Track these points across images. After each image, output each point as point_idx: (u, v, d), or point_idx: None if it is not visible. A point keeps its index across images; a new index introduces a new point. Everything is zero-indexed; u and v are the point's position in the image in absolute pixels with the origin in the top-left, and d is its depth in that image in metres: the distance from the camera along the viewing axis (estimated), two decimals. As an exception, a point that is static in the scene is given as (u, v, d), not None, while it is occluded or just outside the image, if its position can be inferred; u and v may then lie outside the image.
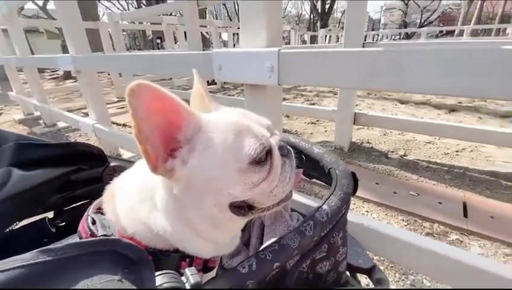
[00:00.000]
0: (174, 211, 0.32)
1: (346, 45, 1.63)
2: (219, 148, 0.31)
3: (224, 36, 6.40)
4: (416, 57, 0.52)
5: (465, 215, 1.20)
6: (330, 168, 0.42)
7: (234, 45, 6.62)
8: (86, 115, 2.80)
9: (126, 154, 1.94)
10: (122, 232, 0.30)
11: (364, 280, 0.64)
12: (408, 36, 22.30)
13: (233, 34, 5.64)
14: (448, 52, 0.49)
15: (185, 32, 3.48)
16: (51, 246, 0.22)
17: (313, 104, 3.23)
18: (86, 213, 0.38)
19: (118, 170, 0.48)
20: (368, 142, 1.94)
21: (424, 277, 0.91)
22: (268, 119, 0.45)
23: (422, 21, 30.71)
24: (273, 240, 0.47)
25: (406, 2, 30.86)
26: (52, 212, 0.47)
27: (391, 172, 1.58)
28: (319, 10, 20.00)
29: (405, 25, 30.70)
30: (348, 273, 0.51)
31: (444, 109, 2.80)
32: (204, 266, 0.36)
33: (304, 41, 9.72)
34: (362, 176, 1.39)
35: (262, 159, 0.32)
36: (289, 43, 7.40)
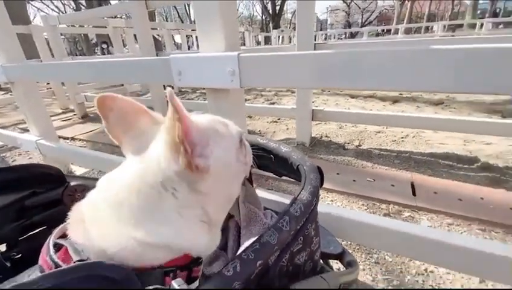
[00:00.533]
0: (196, 209, 0.35)
1: (299, 44, 1.71)
2: (223, 137, 0.38)
3: (177, 38, 6.20)
4: (367, 57, 0.57)
5: (414, 193, 1.36)
6: (298, 165, 0.45)
7: (189, 47, 6.46)
8: (25, 130, 2.49)
9: (78, 171, 1.78)
10: (100, 255, 0.29)
11: (335, 265, 0.70)
12: (352, 35, 24.10)
13: (187, 36, 5.51)
14: (392, 53, 0.55)
15: (134, 35, 3.29)
16: (18, 282, 0.20)
17: (273, 103, 3.32)
18: (46, 242, 0.34)
19: (79, 190, 0.44)
20: (327, 136, 2.07)
21: (385, 253, 1.01)
22: (233, 122, 0.49)
23: (363, 21, 33.50)
24: (252, 240, 0.48)
25: (348, 3, 33.36)
26: (5, 244, 0.42)
27: (349, 162, 1.71)
28: (270, 11, 20.54)
29: (349, 24, 33.19)
30: (321, 260, 0.55)
31: (388, 101, 3.10)
32: (188, 277, 0.35)
33: (258, 42, 9.92)
34: (324, 168, 1.50)
35: (242, 139, 0.42)
36: (244, 44, 7.48)
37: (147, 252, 0.31)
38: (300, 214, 0.36)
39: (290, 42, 10.39)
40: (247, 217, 0.59)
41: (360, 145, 1.91)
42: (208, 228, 0.37)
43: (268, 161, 0.55)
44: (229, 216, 0.59)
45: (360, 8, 33.85)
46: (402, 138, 1.98)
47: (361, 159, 1.73)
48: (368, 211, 1.29)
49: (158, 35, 5.13)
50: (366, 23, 33.28)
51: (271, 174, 0.61)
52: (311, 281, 0.39)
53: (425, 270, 0.93)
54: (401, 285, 0.89)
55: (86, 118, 3.24)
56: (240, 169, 0.43)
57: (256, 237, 0.34)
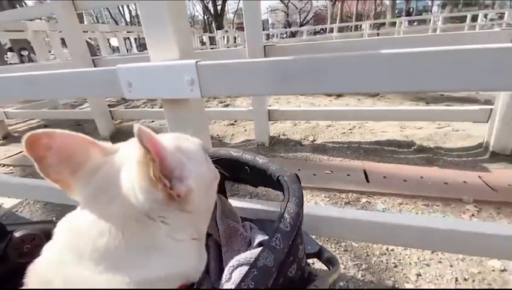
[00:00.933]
0: (188, 228, 0.34)
1: (249, 45, 1.72)
2: (192, 152, 0.38)
3: (113, 41, 5.67)
4: (327, 62, 0.60)
5: (367, 180, 1.49)
6: (278, 176, 0.44)
7: (127, 50, 5.98)
8: None
9: (7, 203, 1.50)
10: None
11: (316, 263, 0.72)
12: (293, 34, 25.34)
13: (125, 39, 5.09)
14: (351, 57, 0.58)
15: (62, 40, 2.90)
16: None
17: (227, 105, 3.29)
18: None
19: (27, 240, 0.36)
20: (284, 134, 2.13)
21: (351, 242, 1.08)
22: (196, 131, 0.48)
23: (302, 20, 35.48)
24: (237, 258, 0.46)
25: (286, 3, 34.93)
26: None
27: (307, 157, 1.80)
28: (212, 11, 20.30)
29: (289, 24, 34.83)
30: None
31: (333, 96, 3.35)
32: None
33: (203, 43, 9.72)
34: (286, 166, 1.54)
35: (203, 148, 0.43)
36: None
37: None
38: (291, 228, 0.35)
39: (235, 42, 10.48)
40: (226, 233, 0.57)
41: (314, 140, 2.02)
42: (198, 245, 0.37)
43: (243, 173, 0.53)
44: (208, 235, 0.56)
45: (297, 8, 35.78)
46: (350, 129, 2.15)
47: (317, 154, 1.83)
48: (330, 201, 1.37)
49: (90, 38, 4.62)
50: (304, 22, 35.35)
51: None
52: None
53: (387, 249, 1.03)
54: (369, 268, 0.97)
55: (8, 138, 2.75)
56: (212, 177, 0.43)
57: (251, 261, 0.32)
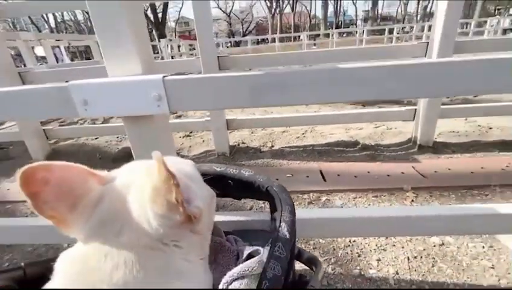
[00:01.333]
0: (198, 249, 0.35)
1: (203, 56, 1.71)
2: (192, 174, 0.39)
3: (39, 51, 4.93)
4: (292, 77, 0.65)
5: (324, 179, 1.61)
6: (267, 187, 0.47)
7: (57, 60, 5.31)
8: None
9: None
10: None
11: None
12: (237, 43, 25.90)
13: (53, 48, 4.51)
14: (311, 72, 0.64)
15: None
16: None
17: (179, 116, 3.18)
18: None
19: None
20: (243, 143, 2.17)
21: (318, 239, 1.16)
22: (162, 148, 0.47)
23: (245, 30, 36.54)
24: (230, 273, 0.46)
25: (228, 13, 35.60)
26: None
27: (268, 163, 1.86)
28: (152, 19, 19.49)
29: (232, 34, 35.52)
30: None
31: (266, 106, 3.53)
32: None
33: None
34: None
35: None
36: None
37: None
38: (290, 236, 0.38)
39: (179, 51, 10.23)
40: (213, 249, 0.56)
41: (273, 146, 2.10)
42: (205, 265, 0.38)
43: (226, 187, 0.54)
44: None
45: (239, 19, 36.78)
46: (303, 134, 2.31)
47: (277, 159, 1.90)
48: (295, 203, 1.44)
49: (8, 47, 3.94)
50: (247, 32, 36.49)
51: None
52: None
53: (350, 241, 1.13)
54: (337, 261, 1.05)
55: None
56: (211, 195, 0.43)
57: (260, 274, 0.33)
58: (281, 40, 15.00)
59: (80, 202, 0.29)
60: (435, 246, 1.07)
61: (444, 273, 0.96)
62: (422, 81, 0.64)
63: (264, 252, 0.48)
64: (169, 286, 0.28)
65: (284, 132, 2.37)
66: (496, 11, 28.53)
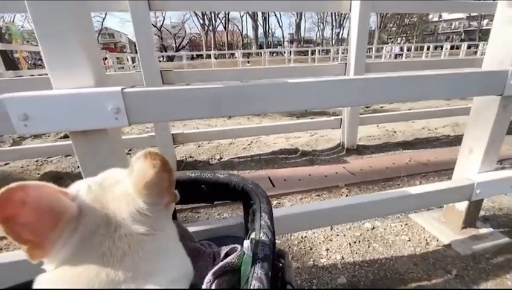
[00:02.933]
0: (176, 233, 0.39)
1: (145, 70, 1.67)
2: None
3: None
4: (248, 89, 0.73)
5: (273, 185, 1.73)
6: (243, 186, 0.52)
7: None
8: None
9: None
10: None
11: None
12: (170, 58, 25.15)
13: None
14: (265, 86, 0.74)
15: None
16: None
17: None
18: None
19: None
20: (191, 157, 2.14)
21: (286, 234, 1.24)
22: (116, 162, 0.49)
23: (177, 46, 35.85)
24: (209, 274, 0.50)
25: (159, 28, 34.48)
26: None
27: (218, 175, 1.88)
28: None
29: (164, 48, 34.40)
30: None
31: (225, 116, 3.62)
32: None
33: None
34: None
35: None
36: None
37: None
38: (271, 222, 0.44)
39: (105, 63, 9.42)
40: (190, 255, 0.58)
41: (221, 158, 2.14)
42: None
43: (199, 192, 0.57)
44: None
45: (171, 34, 36.00)
46: (249, 144, 2.42)
47: (227, 170, 1.95)
48: (248, 211, 1.51)
49: None
50: (180, 47, 35.92)
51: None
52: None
53: (302, 237, 1.25)
54: (294, 256, 1.15)
55: None
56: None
57: (226, 270, 0.39)
58: (216, 56, 15.33)
59: (59, 220, 0.29)
60: (368, 230, 1.28)
61: (377, 251, 1.16)
62: (347, 92, 0.80)
63: (243, 245, 0.53)
64: (168, 263, 0.32)
65: (230, 144, 2.44)
66: (388, 40, 35.57)
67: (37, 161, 2.16)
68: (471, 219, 1.24)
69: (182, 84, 1.78)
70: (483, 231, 1.23)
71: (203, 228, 0.69)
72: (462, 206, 1.21)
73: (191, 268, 0.38)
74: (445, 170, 1.79)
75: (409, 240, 1.21)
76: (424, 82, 0.88)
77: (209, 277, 0.49)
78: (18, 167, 2.06)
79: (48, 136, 3.00)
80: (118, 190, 0.34)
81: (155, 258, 0.31)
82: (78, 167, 2.08)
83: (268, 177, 1.82)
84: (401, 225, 1.31)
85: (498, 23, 0.98)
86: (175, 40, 36.18)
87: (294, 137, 2.63)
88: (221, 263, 0.50)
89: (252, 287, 0.35)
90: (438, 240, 1.20)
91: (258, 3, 1.97)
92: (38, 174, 1.98)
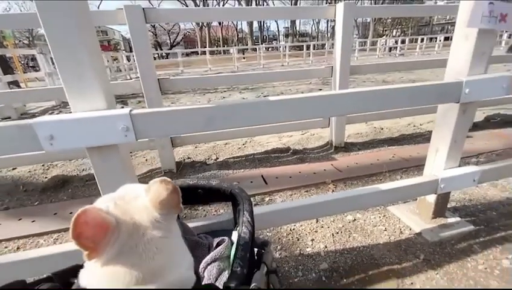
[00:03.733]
0: (180, 234, 0.51)
1: (144, 78, 1.78)
2: None
3: None
4: (241, 107, 0.86)
5: (266, 183, 1.88)
6: (231, 190, 0.66)
7: None
8: None
9: None
10: None
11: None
12: (166, 55, 25.04)
13: None
14: (249, 104, 0.87)
15: None
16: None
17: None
18: None
19: None
20: (189, 158, 2.27)
21: (265, 231, 1.39)
22: (126, 171, 0.60)
23: (172, 42, 35.49)
24: (205, 260, 0.63)
25: (153, 24, 34.07)
26: None
27: (215, 174, 2.02)
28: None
29: (159, 44, 34.09)
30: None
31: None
32: None
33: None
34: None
35: None
36: (38, 70, 5.98)
37: None
38: (251, 219, 0.58)
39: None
40: (189, 247, 0.72)
41: (217, 158, 2.28)
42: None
43: (196, 196, 0.71)
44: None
45: (165, 30, 35.67)
46: (243, 144, 2.56)
47: (223, 169, 2.09)
48: (243, 207, 1.65)
49: None
50: (175, 43, 35.65)
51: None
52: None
53: (290, 229, 1.40)
54: (282, 247, 1.30)
55: None
56: None
57: (215, 258, 0.53)
58: (211, 52, 15.33)
59: (106, 232, 0.41)
60: (349, 222, 1.43)
61: (357, 240, 1.31)
62: (323, 106, 0.94)
63: (232, 235, 0.67)
64: (186, 257, 0.46)
65: (226, 144, 2.58)
66: (383, 32, 35.56)
67: (43, 166, 2.29)
68: (440, 209, 1.39)
69: (189, 96, 1.90)
70: (451, 220, 1.39)
71: (200, 224, 0.83)
72: (432, 198, 1.36)
73: (192, 258, 0.51)
74: (424, 165, 1.94)
75: (385, 230, 1.37)
76: (391, 94, 1.02)
77: (202, 264, 0.63)
78: (26, 172, 2.19)
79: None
80: (139, 203, 0.47)
81: (172, 254, 0.44)
82: (83, 170, 2.22)
83: (262, 176, 1.96)
84: (380, 217, 1.47)
85: (457, 39, 1.12)
86: (169, 36, 35.89)
87: (286, 136, 2.77)
88: (211, 253, 0.65)
89: (234, 268, 0.48)
90: (410, 229, 1.36)
91: (251, 13, 2.09)
92: (46, 177, 2.10)
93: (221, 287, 0.47)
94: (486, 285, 1.05)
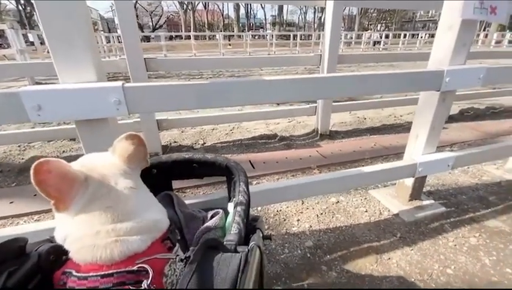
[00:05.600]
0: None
1: (129, 57, 1.72)
2: None
3: None
4: (233, 85, 0.87)
5: (253, 167, 1.91)
6: (226, 164, 0.67)
7: None
8: None
9: None
10: None
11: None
12: (147, 38, 23.94)
13: None
14: (243, 82, 0.88)
15: None
16: None
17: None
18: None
19: (55, 252, 0.40)
20: (175, 142, 2.25)
21: (253, 211, 1.43)
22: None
23: (154, 24, 33.96)
24: (208, 233, 0.65)
25: (134, 4, 32.33)
26: None
27: (202, 159, 2.02)
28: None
29: (141, 27, 32.52)
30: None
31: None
32: None
33: (31, 43, 7.57)
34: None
35: None
36: (9, 47, 5.56)
37: None
38: (246, 188, 0.60)
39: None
40: (184, 219, 0.74)
41: (205, 143, 2.27)
42: None
43: (191, 169, 0.72)
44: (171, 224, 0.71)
45: (147, 11, 34.01)
46: (231, 130, 2.56)
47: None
48: (231, 190, 1.68)
49: None
50: (158, 26, 34.16)
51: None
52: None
53: (277, 211, 1.45)
54: (270, 227, 1.34)
55: None
56: None
57: (210, 228, 0.55)
58: (196, 37, 14.86)
59: (73, 184, 0.42)
60: (333, 204, 1.50)
61: (339, 221, 1.38)
62: (313, 88, 0.97)
63: (228, 207, 0.69)
64: (155, 209, 0.49)
65: (213, 129, 2.57)
66: (368, 25, 36.09)
67: (19, 146, 2.17)
68: (417, 192, 1.49)
69: (174, 80, 1.86)
70: (426, 202, 1.49)
71: (194, 201, 0.84)
72: (409, 182, 1.45)
73: (164, 208, 0.53)
74: (402, 152, 2.05)
75: (366, 211, 1.45)
76: (377, 80, 1.06)
77: (197, 233, 0.65)
78: (1, 152, 2.07)
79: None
80: (106, 162, 0.48)
81: (144, 199, 0.48)
82: (63, 151, 2.13)
83: (249, 161, 1.98)
84: (361, 199, 1.55)
85: (441, 28, 1.18)
86: (151, 18, 34.28)
87: (273, 123, 2.80)
88: (206, 223, 0.67)
89: (232, 231, 0.51)
90: (389, 211, 1.45)
91: (239, -7, 2.04)
92: (23, 159, 2.01)
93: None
94: (456, 260, 1.15)
